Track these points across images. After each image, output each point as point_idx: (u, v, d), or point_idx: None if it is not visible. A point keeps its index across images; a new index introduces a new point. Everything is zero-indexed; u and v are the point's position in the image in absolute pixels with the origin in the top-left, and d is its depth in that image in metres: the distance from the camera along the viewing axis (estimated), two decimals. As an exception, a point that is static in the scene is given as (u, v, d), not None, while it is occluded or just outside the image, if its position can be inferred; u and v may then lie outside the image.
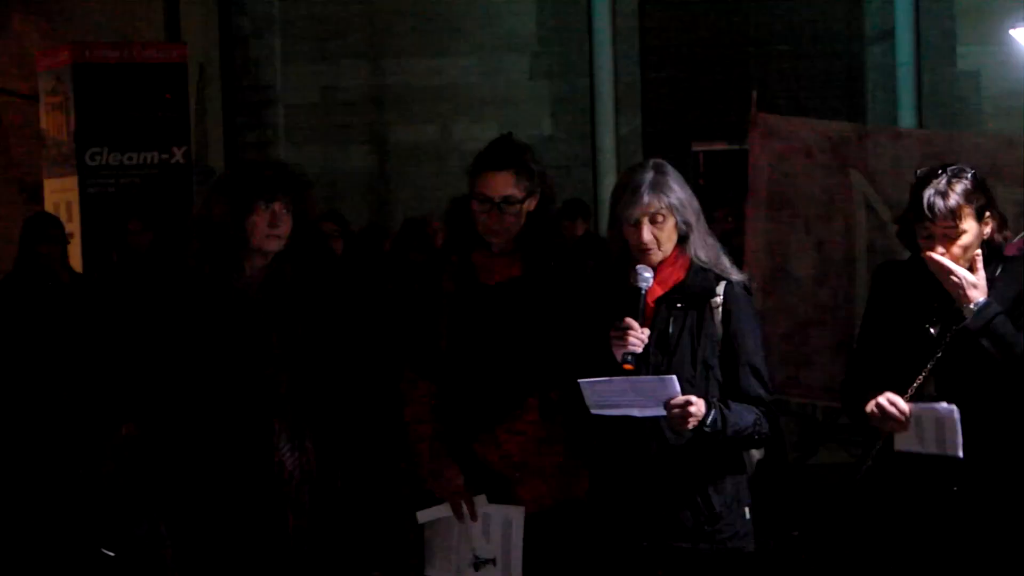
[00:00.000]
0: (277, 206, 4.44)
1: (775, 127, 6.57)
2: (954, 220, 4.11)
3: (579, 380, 4.04)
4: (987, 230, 4.18)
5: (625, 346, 4.05)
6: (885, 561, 4.28)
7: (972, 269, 4.13)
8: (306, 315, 4.54)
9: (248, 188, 4.48)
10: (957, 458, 4.09)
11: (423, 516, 4.39)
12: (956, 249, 4.13)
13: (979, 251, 4.15)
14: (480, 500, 4.34)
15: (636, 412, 4.05)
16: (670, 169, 4.20)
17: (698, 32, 11.58)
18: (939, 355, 4.14)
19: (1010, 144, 6.48)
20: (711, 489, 4.12)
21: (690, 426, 4.02)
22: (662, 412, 4.03)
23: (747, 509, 4.18)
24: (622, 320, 4.08)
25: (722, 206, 8.86)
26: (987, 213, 4.17)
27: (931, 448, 4.11)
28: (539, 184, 4.42)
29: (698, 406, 4.01)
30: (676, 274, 4.17)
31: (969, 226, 4.13)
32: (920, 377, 4.15)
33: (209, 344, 4.42)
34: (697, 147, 12.41)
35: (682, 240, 4.19)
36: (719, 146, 12.24)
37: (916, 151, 6.38)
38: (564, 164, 11.15)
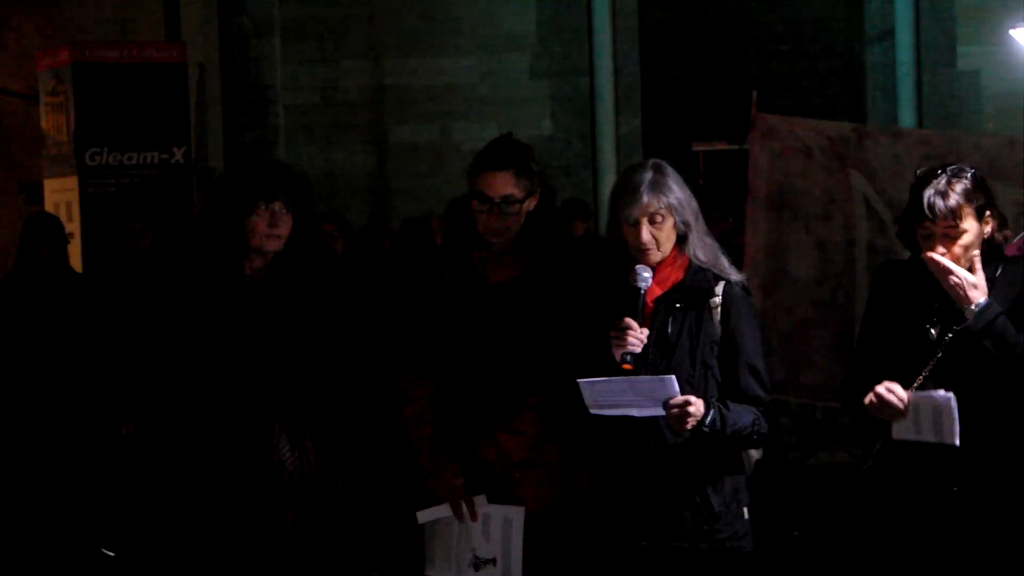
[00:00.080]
0: (277, 206, 4.44)
1: (775, 127, 6.56)
2: (954, 220, 4.11)
3: (578, 380, 4.04)
4: (987, 229, 4.18)
5: (624, 346, 4.05)
6: (885, 561, 4.28)
7: (971, 270, 4.13)
8: (306, 315, 4.54)
9: (248, 188, 4.48)
10: (955, 455, 4.09)
11: (423, 516, 4.39)
12: (957, 249, 4.13)
13: (977, 251, 4.15)
14: (480, 500, 4.34)
15: (635, 412, 4.05)
16: (669, 169, 4.20)
17: (698, 32, 11.59)
18: (939, 355, 4.14)
19: (1010, 144, 6.47)
20: (710, 489, 4.12)
21: (689, 426, 4.02)
22: (661, 412, 4.03)
23: (746, 509, 4.18)
24: (621, 320, 4.08)
25: (722, 206, 8.86)
26: (987, 212, 4.17)
27: (928, 436, 4.10)
28: (539, 184, 4.42)
29: (697, 406, 4.01)
30: (675, 274, 4.17)
31: (969, 225, 4.13)
32: (920, 377, 4.15)
33: (209, 344, 4.42)
34: (697, 147, 12.41)
35: (681, 240, 4.19)
36: (719, 146, 12.24)
37: (916, 151, 6.37)
38: (564, 164, 11.16)
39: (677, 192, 4.16)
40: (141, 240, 8.66)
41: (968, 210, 4.13)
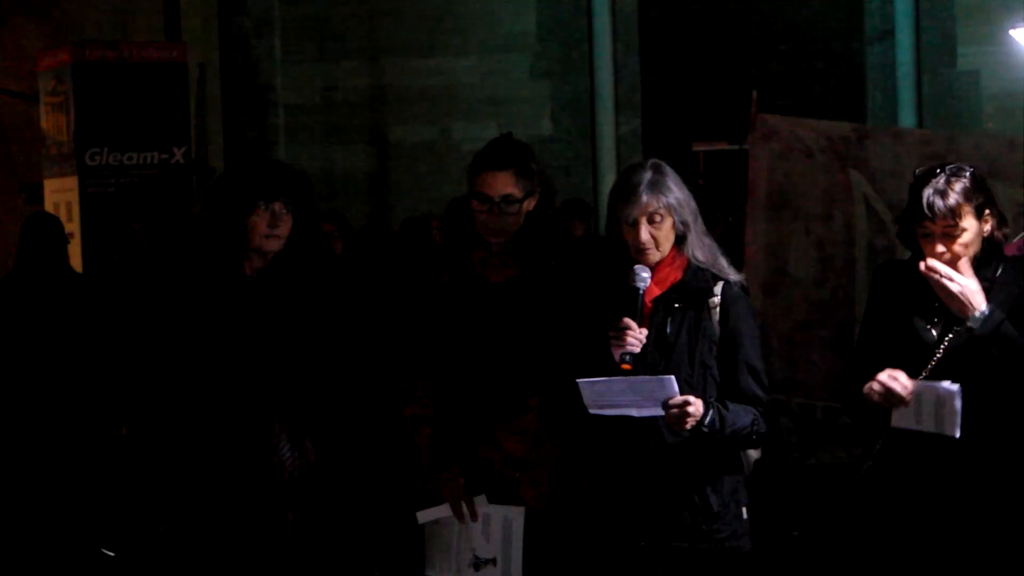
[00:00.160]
0: (277, 206, 4.44)
1: (775, 127, 6.56)
2: (953, 219, 4.11)
3: (577, 380, 4.04)
4: (986, 228, 4.18)
5: (623, 346, 4.06)
6: (885, 561, 4.28)
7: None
8: (306, 315, 4.54)
9: (248, 188, 4.48)
10: (955, 454, 4.09)
11: (423, 516, 4.39)
12: (956, 247, 4.13)
13: (975, 251, 4.15)
14: (480, 500, 4.34)
15: (634, 412, 4.05)
16: (668, 169, 4.20)
17: (698, 32, 11.58)
18: (939, 355, 4.14)
19: (1010, 144, 6.47)
20: (709, 489, 4.12)
21: (688, 426, 4.02)
22: (660, 412, 4.03)
23: (744, 509, 4.19)
24: (620, 320, 4.08)
25: (722, 207, 8.85)
26: (986, 211, 4.17)
27: (928, 426, 4.09)
28: (538, 184, 4.42)
29: (696, 406, 4.01)
30: (674, 274, 4.18)
31: (969, 224, 4.13)
32: (920, 377, 4.15)
33: (209, 344, 4.42)
34: (697, 147, 12.40)
35: (679, 240, 4.19)
36: (719, 146, 12.23)
37: (916, 151, 6.37)
38: (564, 164, 11.15)
39: (676, 192, 4.16)
40: (142, 240, 8.66)
41: (967, 209, 4.13)
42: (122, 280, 7.88)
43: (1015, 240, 5.23)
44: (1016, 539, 4.13)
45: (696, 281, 4.17)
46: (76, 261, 9.18)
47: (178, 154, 10.39)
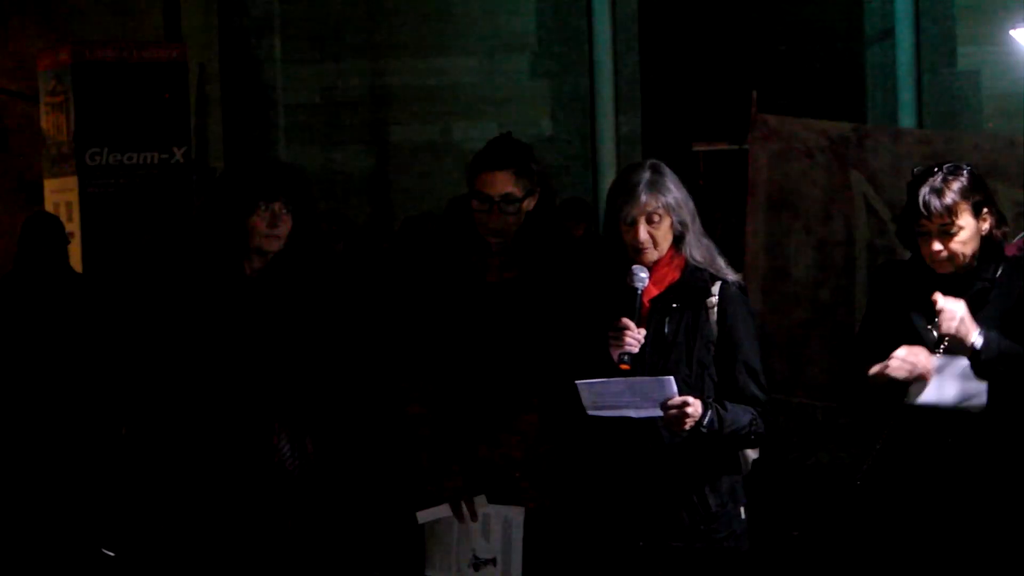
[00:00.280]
0: (277, 206, 4.44)
1: (775, 127, 6.57)
2: (950, 217, 4.11)
3: (576, 381, 4.04)
4: (985, 226, 4.18)
5: (622, 346, 4.06)
6: (885, 561, 4.28)
7: (960, 285, 4.13)
8: (306, 315, 4.54)
9: (248, 188, 4.48)
10: (954, 454, 4.09)
11: (423, 516, 4.39)
12: (954, 245, 4.13)
13: (975, 248, 4.15)
14: (480, 500, 4.34)
15: (633, 413, 4.05)
16: (667, 169, 4.21)
17: (698, 32, 11.58)
18: (939, 355, 4.14)
19: (1010, 144, 6.47)
20: (707, 489, 4.13)
21: (687, 427, 4.03)
22: (659, 413, 4.03)
23: (743, 509, 4.19)
24: (618, 320, 4.08)
25: (722, 207, 8.85)
26: (984, 209, 4.17)
27: (951, 399, 4.08)
28: (539, 184, 4.42)
29: (695, 407, 4.01)
30: (671, 274, 4.18)
31: (966, 222, 4.14)
32: (907, 388, 4.15)
33: (209, 344, 4.42)
34: (697, 147, 12.40)
35: (677, 240, 4.19)
36: (720, 146, 12.22)
37: (916, 151, 6.37)
38: (564, 164, 11.14)
39: (675, 192, 4.16)
40: (143, 240, 8.67)
41: (964, 207, 4.14)
42: (122, 281, 7.89)
43: (1015, 240, 5.23)
44: (1015, 539, 4.13)
45: (694, 281, 4.17)
46: (76, 261, 9.18)
47: (178, 154, 10.39)
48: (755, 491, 4.26)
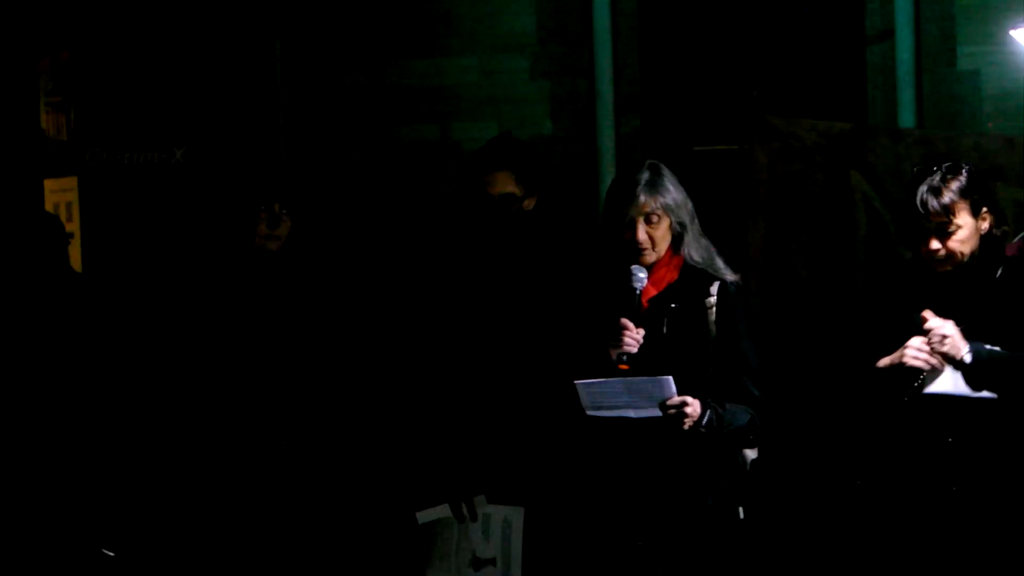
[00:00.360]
0: (276, 207, 4.46)
1: (775, 127, 6.58)
2: (947, 215, 4.12)
3: (575, 381, 4.05)
4: (984, 225, 4.19)
5: (620, 346, 4.06)
6: (885, 561, 4.28)
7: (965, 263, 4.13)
8: (306, 314, 4.55)
9: (248, 190, 4.50)
10: (954, 455, 4.09)
11: (423, 516, 4.41)
12: (952, 243, 4.14)
13: (975, 246, 4.16)
14: (480, 500, 4.35)
15: (632, 413, 4.06)
16: (665, 170, 4.22)
17: (698, 32, 11.57)
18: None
19: (1010, 144, 6.48)
20: (705, 489, 4.13)
21: (686, 427, 4.03)
22: (658, 413, 4.04)
23: (741, 509, 4.20)
24: (617, 320, 4.08)
25: (721, 207, 8.85)
26: (983, 208, 4.18)
27: (965, 389, 4.09)
28: (539, 184, 4.43)
29: (694, 407, 4.02)
30: (670, 274, 4.18)
31: (964, 221, 4.14)
32: (920, 377, 4.15)
33: (208, 343, 4.43)
34: (698, 148, 12.39)
35: (676, 241, 4.20)
36: (720, 147, 12.22)
37: (916, 151, 6.39)
38: (564, 164, 11.14)
39: (673, 192, 4.17)
40: (145, 241, 8.67)
41: (962, 205, 4.14)
42: (122, 281, 7.90)
43: (1015, 240, 5.24)
44: (1015, 539, 4.14)
45: (692, 281, 4.18)
46: (76, 261, 9.19)
47: (178, 154, 10.39)
48: (754, 491, 4.27)
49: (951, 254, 4.16)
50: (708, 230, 4.47)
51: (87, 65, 10.18)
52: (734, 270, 4.32)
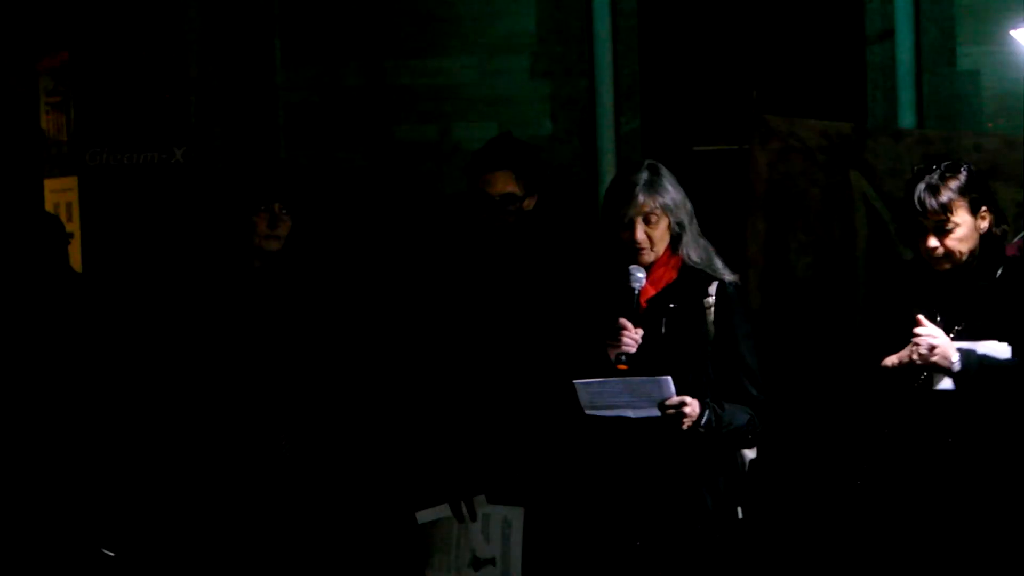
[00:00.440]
0: (276, 207, 4.46)
1: (775, 127, 6.58)
2: (945, 214, 4.13)
3: (574, 381, 4.05)
4: (983, 225, 4.19)
5: (619, 346, 4.06)
6: (885, 561, 4.28)
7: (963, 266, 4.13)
8: (306, 314, 4.55)
9: (248, 190, 4.50)
10: (953, 454, 4.09)
11: (423, 516, 4.41)
12: (950, 242, 4.14)
13: (975, 245, 4.16)
14: (480, 500, 4.35)
15: (631, 413, 4.06)
16: (664, 170, 4.22)
17: (698, 32, 11.57)
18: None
19: (1010, 144, 6.48)
20: (704, 489, 4.13)
21: (685, 427, 4.03)
22: (657, 413, 4.04)
23: (740, 509, 4.20)
24: (616, 320, 4.08)
25: (721, 207, 8.84)
26: (983, 207, 4.18)
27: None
28: (539, 184, 4.43)
29: (693, 407, 4.02)
30: (668, 274, 4.19)
31: (962, 219, 4.15)
32: (921, 377, 4.15)
33: (208, 344, 4.43)
34: (698, 148, 12.38)
35: (675, 241, 4.20)
36: (720, 147, 12.21)
37: (916, 151, 6.39)
38: (564, 164, 11.14)
39: (672, 192, 4.17)
40: (145, 241, 8.67)
41: (960, 204, 4.15)
42: (122, 281, 7.90)
43: (1015, 240, 5.24)
44: (1014, 538, 4.13)
45: (691, 281, 4.18)
46: (76, 261, 9.19)
47: (178, 154, 10.38)
48: (753, 491, 4.27)
49: (949, 253, 4.16)
50: (707, 230, 4.47)
51: (87, 65, 10.19)
52: (733, 270, 4.31)
